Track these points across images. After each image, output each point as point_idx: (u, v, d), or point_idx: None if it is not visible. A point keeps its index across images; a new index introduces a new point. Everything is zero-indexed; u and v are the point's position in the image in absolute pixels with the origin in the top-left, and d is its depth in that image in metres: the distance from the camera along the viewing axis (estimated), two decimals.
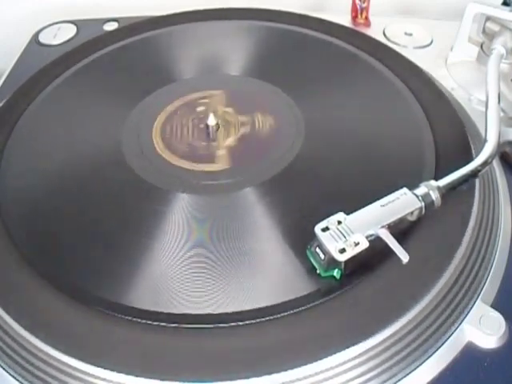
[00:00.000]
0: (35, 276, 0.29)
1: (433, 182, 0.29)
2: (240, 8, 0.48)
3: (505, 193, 0.35)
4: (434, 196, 0.29)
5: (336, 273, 0.28)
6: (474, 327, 0.28)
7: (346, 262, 0.27)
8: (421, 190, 0.29)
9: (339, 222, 0.28)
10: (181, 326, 0.27)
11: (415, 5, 0.58)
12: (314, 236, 0.28)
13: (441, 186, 0.29)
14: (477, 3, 0.42)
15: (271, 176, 0.34)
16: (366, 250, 0.27)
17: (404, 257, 0.26)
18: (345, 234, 0.27)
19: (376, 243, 0.27)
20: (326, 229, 0.27)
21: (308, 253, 0.28)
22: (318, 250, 0.28)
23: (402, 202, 0.28)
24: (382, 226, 0.27)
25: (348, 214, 0.28)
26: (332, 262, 0.27)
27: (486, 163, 0.31)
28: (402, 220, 0.28)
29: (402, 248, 0.27)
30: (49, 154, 0.37)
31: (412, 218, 0.29)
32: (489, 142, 0.32)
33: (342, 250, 0.27)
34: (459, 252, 0.29)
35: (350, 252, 0.27)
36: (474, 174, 0.31)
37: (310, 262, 0.28)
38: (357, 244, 0.27)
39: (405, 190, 0.29)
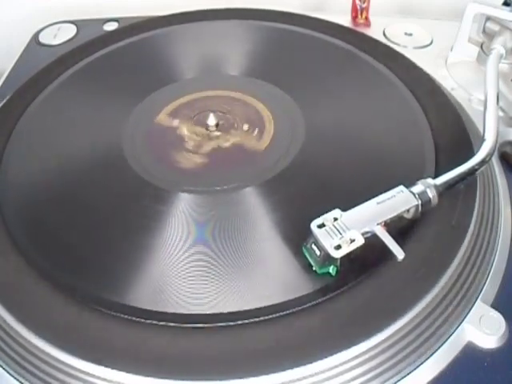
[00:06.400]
0: (35, 276, 0.29)
1: (429, 180, 0.29)
2: (240, 8, 0.48)
3: (505, 193, 0.35)
4: (431, 194, 0.29)
5: (331, 269, 0.27)
6: (474, 327, 0.27)
7: (342, 258, 0.27)
8: (417, 187, 0.29)
9: (335, 219, 0.28)
10: (180, 326, 0.27)
11: (415, 5, 0.58)
12: (310, 232, 0.27)
13: (438, 184, 0.29)
14: (477, 3, 0.42)
15: (272, 176, 0.33)
16: (366, 249, 0.27)
17: (399, 254, 0.26)
18: (340, 231, 0.27)
19: (375, 242, 0.27)
20: (321, 225, 0.27)
21: (304, 249, 0.28)
22: (313, 246, 0.27)
23: (399, 200, 0.28)
24: (378, 223, 0.27)
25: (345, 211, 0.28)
26: (327, 259, 0.27)
27: (483, 162, 0.31)
28: (398, 217, 0.28)
29: (397, 245, 0.26)
30: (49, 154, 0.37)
31: (408, 216, 0.29)
32: (487, 141, 0.32)
33: (338, 247, 0.26)
34: (459, 252, 0.29)
35: (346, 249, 0.26)
36: (471, 173, 0.30)
37: (306, 258, 0.28)
38: (352, 241, 0.27)
39: (401, 187, 0.29)
